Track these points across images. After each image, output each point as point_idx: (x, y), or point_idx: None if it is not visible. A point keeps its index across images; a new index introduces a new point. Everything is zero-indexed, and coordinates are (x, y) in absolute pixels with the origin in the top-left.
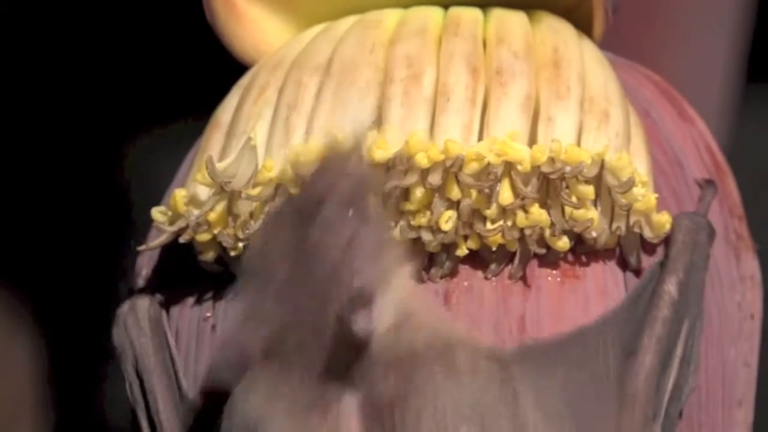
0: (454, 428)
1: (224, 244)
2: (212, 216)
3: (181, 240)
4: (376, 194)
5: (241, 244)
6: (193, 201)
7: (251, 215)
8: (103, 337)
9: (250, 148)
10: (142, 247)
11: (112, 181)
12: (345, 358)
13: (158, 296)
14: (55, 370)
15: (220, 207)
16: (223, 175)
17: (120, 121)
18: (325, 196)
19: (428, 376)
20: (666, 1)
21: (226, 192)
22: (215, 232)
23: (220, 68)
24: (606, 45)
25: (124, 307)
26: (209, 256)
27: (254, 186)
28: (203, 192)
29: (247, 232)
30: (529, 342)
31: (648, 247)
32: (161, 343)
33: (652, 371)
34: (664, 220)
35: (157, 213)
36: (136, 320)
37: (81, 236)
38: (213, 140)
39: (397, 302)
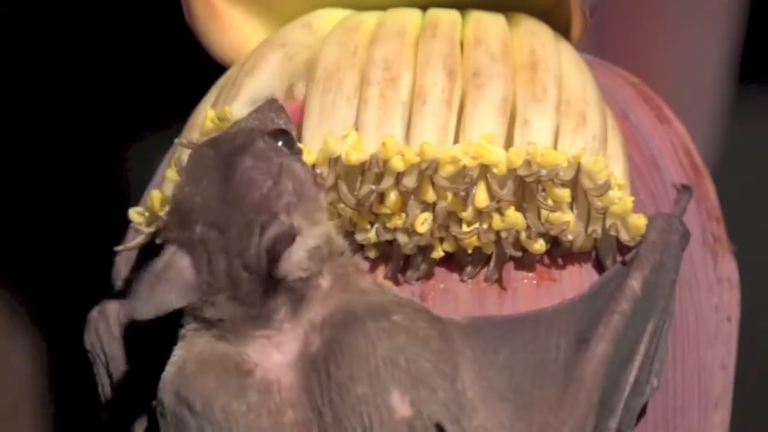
0: (385, 389)
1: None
2: None
3: (158, 241)
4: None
5: None
6: (166, 200)
7: None
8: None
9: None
10: (119, 248)
11: (112, 182)
12: (266, 291)
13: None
14: (54, 370)
15: None
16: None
17: (120, 122)
18: (253, 133)
19: (363, 332)
20: (658, 2)
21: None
22: None
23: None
24: (598, 46)
25: (94, 312)
26: None
27: None
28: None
29: None
30: (479, 317)
31: (624, 250)
32: (131, 347)
33: (603, 360)
34: (640, 222)
35: (135, 214)
36: (107, 325)
37: (80, 237)
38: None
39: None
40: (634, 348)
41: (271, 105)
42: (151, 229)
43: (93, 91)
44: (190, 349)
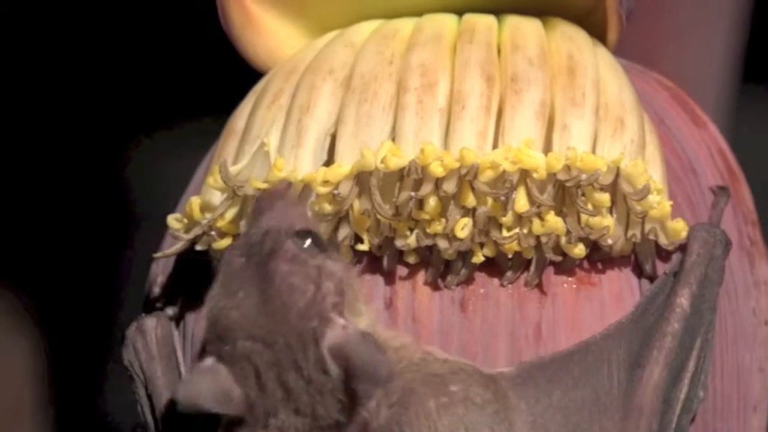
0: None
1: None
2: (221, 222)
3: (198, 247)
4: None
5: None
6: (206, 207)
7: None
8: (103, 337)
9: (264, 153)
10: (158, 255)
11: (115, 182)
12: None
13: (168, 311)
14: (55, 370)
15: (231, 213)
16: (236, 179)
17: (125, 123)
18: (280, 236)
19: (422, 408)
20: (662, 2)
21: (239, 197)
22: (230, 239)
23: (228, 71)
24: None
25: (132, 328)
26: None
27: (265, 183)
28: (216, 197)
29: None
30: (527, 362)
31: (663, 254)
32: (169, 364)
33: (660, 384)
34: (679, 227)
35: (173, 220)
36: (145, 342)
37: (82, 237)
38: (228, 147)
39: (379, 336)
40: (684, 365)
41: (284, 198)
42: (190, 236)
43: (94, 92)
44: None
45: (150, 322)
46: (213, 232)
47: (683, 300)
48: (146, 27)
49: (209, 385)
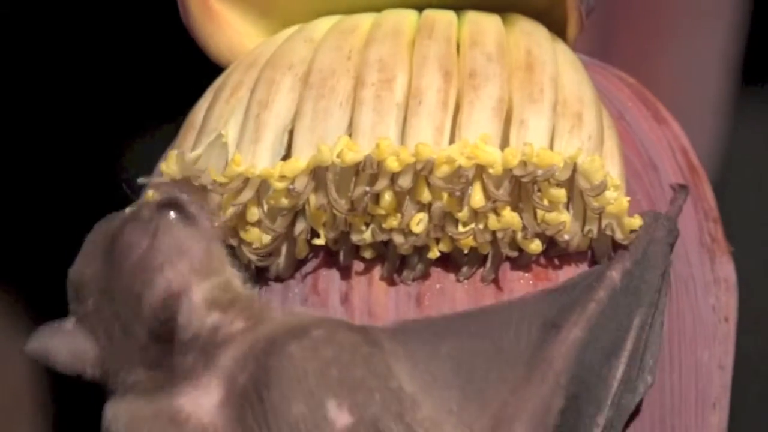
0: (321, 404)
1: None
2: None
3: None
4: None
5: None
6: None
7: (219, 207)
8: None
9: (221, 144)
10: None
11: (111, 182)
12: (179, 350)
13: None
14: (53, 370)
15: None
16: (193, 168)
17: (125, 123)
18: (141, 206)
19: (287, 355)
20: (661, 5)
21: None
22: None
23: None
24: (601, 50)
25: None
26: None
27: (223, 178)
28: None
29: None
30: (408, 319)
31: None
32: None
33: (575, 344)
34: (635, 223)
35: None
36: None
37: (82, 237)
38: (186, 141)
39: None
40: (620, 343)
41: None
42: None
43: (90, 92)
44: (118, 409)
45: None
46: None
47: (614, 273)
48: (146, 27)
49: (64, 344)
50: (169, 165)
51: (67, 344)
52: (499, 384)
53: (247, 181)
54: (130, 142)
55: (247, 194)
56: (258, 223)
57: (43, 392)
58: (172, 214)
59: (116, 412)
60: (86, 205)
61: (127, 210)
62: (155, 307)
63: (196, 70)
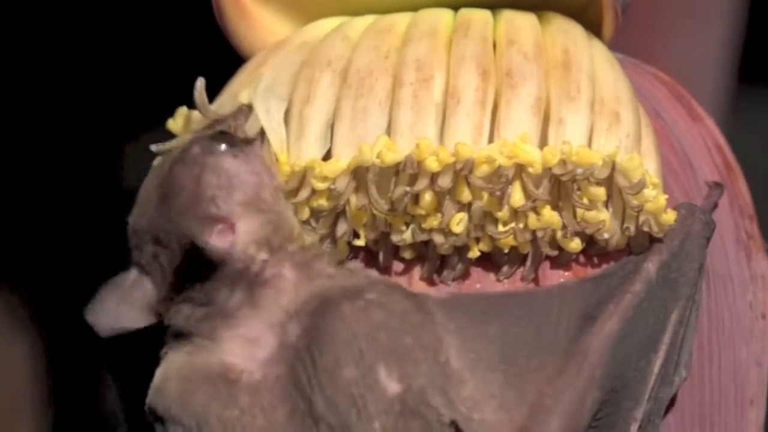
0: (372, 368)
1: None
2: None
3: None
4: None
5: None
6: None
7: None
8: (102, 337)
9: (244, 110)
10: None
11: (112, 180)
12: (219, 285)
13: None
14: (54, 369)
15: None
16: (213, 112)
17: (125, 123)
18: (190, 142)
19: (340, 316)
20: (658, 4)
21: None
22: None
23: (229, 68)
24: None
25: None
26: None
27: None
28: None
29: None
30: (462, 293)
31: None
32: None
33: (611, 337)
34: (670, 217)
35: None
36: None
37: (82, 236)
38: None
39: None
40: (658, 338)
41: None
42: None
43: (90, 91)
44: (170, 368)
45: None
46: None
47: (650, 265)
48: (146, 27)
49: (130, 300)
50: (176, 121)
51: (132, 300)
52: (538, 372)
53: (302, 178)
54: (130, 141)
55: (305, 193)
56: (302, 224)
57: (43, 392)
58: (222, 146)
59: (167, 372)
60: (86, 205)
61: (176, 148)
62: (205, 236)
63: (197, 69)
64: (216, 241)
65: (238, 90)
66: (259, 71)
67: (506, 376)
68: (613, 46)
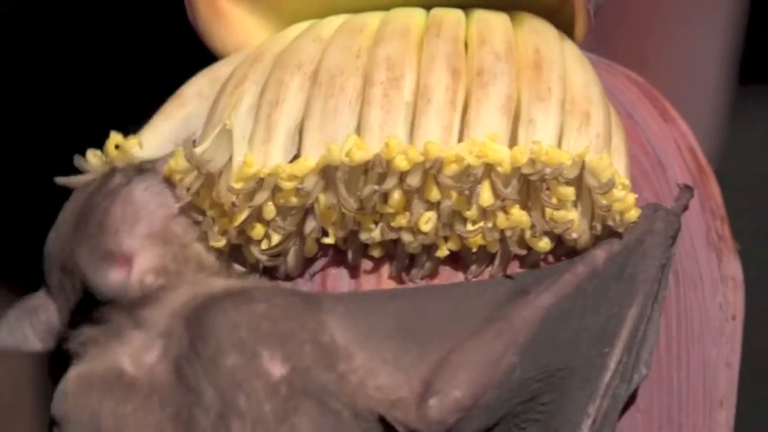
0: (255, 354)
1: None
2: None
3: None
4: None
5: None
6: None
7: (233, 205)
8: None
9: (227, 135)
10: (60, 179)
11: None
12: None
13: None
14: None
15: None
16: (202, 159)
17: (124, 123)
18: (112, 172)
19: (222, 309)
20: (658, 3)
21: (202, 175)
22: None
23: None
24: (600, 47)
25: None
26: None
27: (237, 181)
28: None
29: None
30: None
31: None
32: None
33: (543, 307)
34: (633, 215)
35: (90, 154)
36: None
37: None
38: (169, 109)
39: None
40: (615, 331)
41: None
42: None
43: (90, 91)
44: (68, 377)
45: None
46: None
47: (598, 252)
48: (146, 26)
49: (35, 323)
50: (177, 160)
51: (35, 322)
52: (448, 336)
53: (261, 182)
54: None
55: (262, 196)
56: (268, 223)
57: (43, 392)
58: (138, 180)
59: (67, 381)
60: None
61: (98, 176)
62: (99, 275)
63: (196, 68)
64: (111, 276)
65: (223, 115)
66: (241, 89)
67: (404, 343)
68: (612, 46)
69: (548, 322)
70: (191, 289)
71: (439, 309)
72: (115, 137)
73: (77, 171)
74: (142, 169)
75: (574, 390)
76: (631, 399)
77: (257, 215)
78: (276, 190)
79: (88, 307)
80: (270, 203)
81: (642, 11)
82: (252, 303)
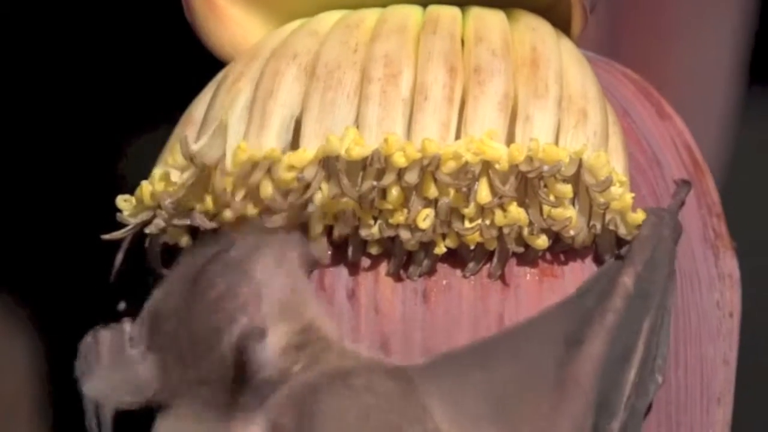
0: None
1: (196, 223)
2: (185, 193)
3: (146, 231)
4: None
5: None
6: (167, 182)
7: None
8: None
9: (223, 131)
10: (106, 236)
11: (111, 181)
12: (244, 388)
13: (125, 320)
14: (53, 370)
15: (191, 183)
16: (198, 153)
17: (124, 122)
18: (230, 243)
19: (327, 403)
20: (667, 5)
21: (197, 169)
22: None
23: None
24: (609, 51)
25: (88, 339)
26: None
27: (232, 166)
28: (175, 175)
29: (223, 204)
30: (438, 353)
31: (623, 245)
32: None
33: (599, 358)
34: (638, 218)
35: (122, 201)
36: (98, 356)
37: (81, 236)
38: (186, 132)
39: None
40: (632, 347)
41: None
42: (137, 221)
43: (91, 90)
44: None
45: (105, 335)
46: (164, 214)
47: (627, 279)
48: (146, 26)
49: (128, 377)
50: (174, 156)
51: (133, 376)
52: (531, 409)
53: (256, 165)
54: (130, 141)
55: (257, 176)
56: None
57: (43, 392)
58: (260, 254)
59: (166, 429)
60: (86, 206)
61: (215, 248)
62: (232, 346)
63: (197, 68)
64: (240, 351)
65: (220, 112)
66: (238, 86)
67: (497, 423)
68: (621, 48)
69: (602, 367)
70: (302, 369)
71: (512, 375)
72: (147, 187)
73: (76, 175)
74: (259, 245)
75: (602, 411)
76: None
77: (253, 197)
78: (273, 173)
79: (199, 378)
80: (267, 182)
81: (650, 14)
82: (359, 395)
